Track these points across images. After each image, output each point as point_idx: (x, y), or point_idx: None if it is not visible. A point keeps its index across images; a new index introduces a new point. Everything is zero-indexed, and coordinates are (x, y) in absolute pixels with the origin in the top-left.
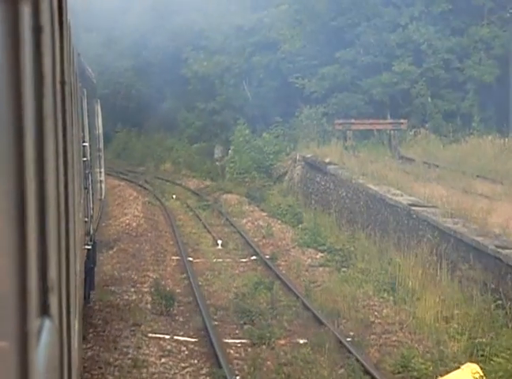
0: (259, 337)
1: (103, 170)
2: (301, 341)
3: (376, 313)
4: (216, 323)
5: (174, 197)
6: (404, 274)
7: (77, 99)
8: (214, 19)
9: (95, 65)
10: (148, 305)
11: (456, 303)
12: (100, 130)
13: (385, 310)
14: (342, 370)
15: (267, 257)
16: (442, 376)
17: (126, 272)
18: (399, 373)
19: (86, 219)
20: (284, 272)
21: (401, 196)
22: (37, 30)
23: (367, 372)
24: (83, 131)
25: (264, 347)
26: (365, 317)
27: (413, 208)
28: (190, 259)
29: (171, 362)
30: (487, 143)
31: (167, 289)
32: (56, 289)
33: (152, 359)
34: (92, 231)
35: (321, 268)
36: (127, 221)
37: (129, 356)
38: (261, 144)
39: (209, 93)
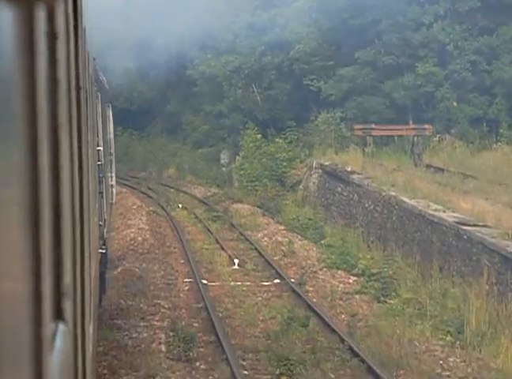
0: None
1: (114, 174)
2: None
3: (441, 362)
4: (246, 372)
5: (180, 205)
6: (466, 308)
7: (92, 104)
8: (223, 17)
9: None
10: (163, 347)
11: None
12: (112, 135)
13: (451, 358)
14: None
15: (292, 280)
16: None
17: (133, 299)
18: None
19: (100, 223)
20: (315, 300)
21: (444, 212)
22: (52, 36)
23: None
24: (97, 136)
25: None
26: (429, 368)
27: (462, 227)
28: (205, 282)
29: None
30: None
31: (183, 323)
32: (71, 294)
33: None
34: (105, 235)
35: (357, 297)
36: (132, 235)
37: None
38: (274, 150)
39: (217, 95)
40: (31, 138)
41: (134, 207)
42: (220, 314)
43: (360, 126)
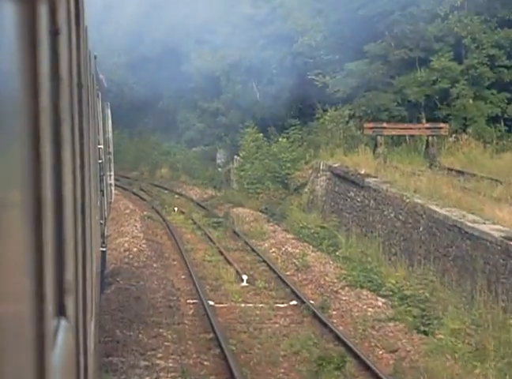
0: None
1: (112, 173)
2: None
3: None
4: None
5: (175, 209)
6: None
7: (94, 102)
8: (220, 8)
9: None
10: None
11: None
12: (110, 134)
13: None
14: None
15: (312, 302)
16: None
17: (130, 328)
18: None
19: (101, 221)
20: (341, 327)
21: (484, 223)
22: (54, 32)
23: None
24: (98, 133)
25: None
26: None
27: (511, 243)
28: (212, 303)
29: None
30: None
31: (191, 362)
32: (73, 290)
33: None
34: (106, 233)
35: (392, 325)
36: (126, 245)
37: None
38: (276, 150)
39: (213, 92)
40: (33, 134)
41: (127, 211)
42: (234, 348)
43: (371, 125)
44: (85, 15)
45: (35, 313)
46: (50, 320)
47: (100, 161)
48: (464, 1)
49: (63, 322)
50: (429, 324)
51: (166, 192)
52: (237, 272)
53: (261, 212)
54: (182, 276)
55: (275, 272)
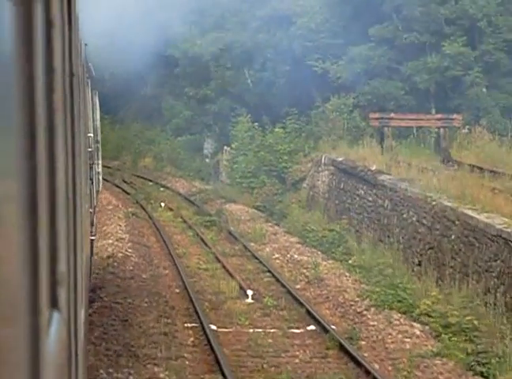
0: None
1: (100, 161)
2: None
3: None
4: None
5: (162, 205)
6: None
7: (84, 91)
8: None
9: None
10: None
11: None
12: (98, 122)
13: None
14: None
15: (333, 327)
16: None
17: (117, 361)
18: None
19: (91, 210)
20: (377, 366)
21: None
22: (48, 24)
23: None
24: (88, 122)
25: None
26: None
27: None
28: (214, 328)
29: None
30: None
31: None
32: (65, 282)
33: None
34: (95, 221)
35: (439, 362)
36: (110, 249)
37: None
38: (272, 141)
39: (202, 77)
40: (28, 124)
41: (110, 207)
42: None
43: (377, 115)
44: (77, 3)
45: (29, 306)
46: (44, 312)
47: (90, 149)
48: None
49: (56, 314)
50: (486, 363)
51: (150, 184)
52: (240, 286)
53: (256, 209)
54: (176, 290)
55: (283, 285)
